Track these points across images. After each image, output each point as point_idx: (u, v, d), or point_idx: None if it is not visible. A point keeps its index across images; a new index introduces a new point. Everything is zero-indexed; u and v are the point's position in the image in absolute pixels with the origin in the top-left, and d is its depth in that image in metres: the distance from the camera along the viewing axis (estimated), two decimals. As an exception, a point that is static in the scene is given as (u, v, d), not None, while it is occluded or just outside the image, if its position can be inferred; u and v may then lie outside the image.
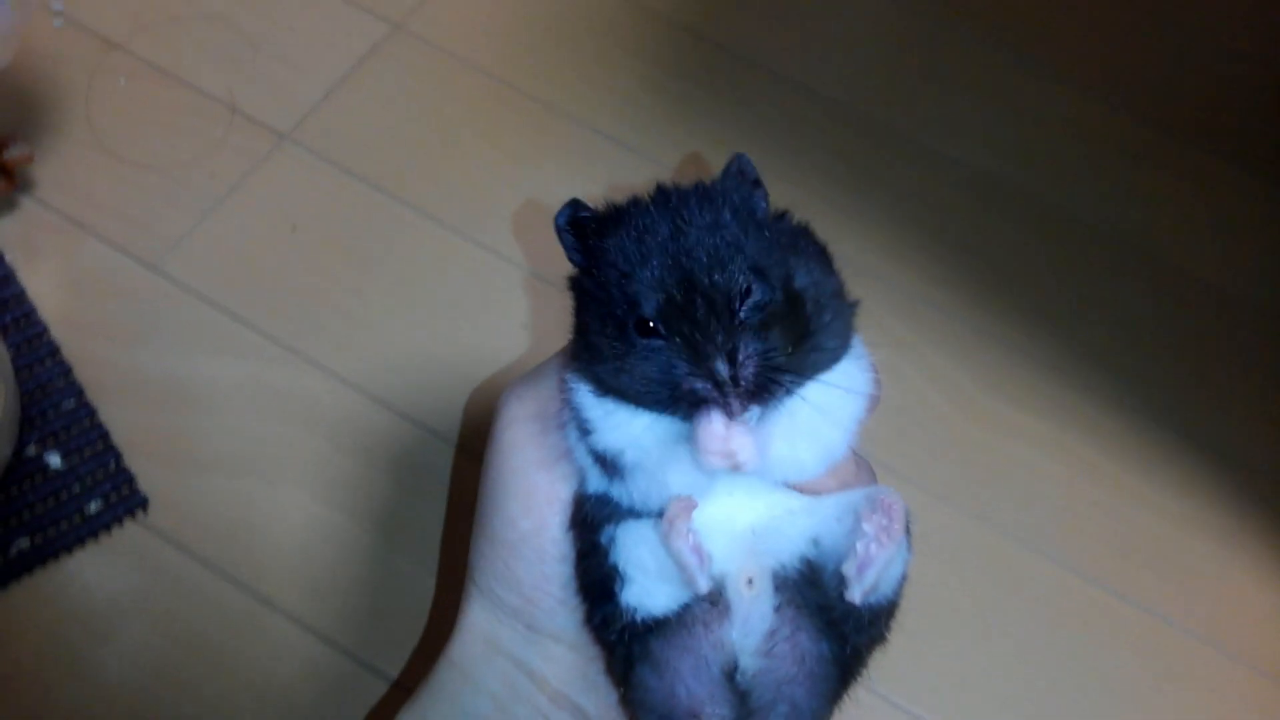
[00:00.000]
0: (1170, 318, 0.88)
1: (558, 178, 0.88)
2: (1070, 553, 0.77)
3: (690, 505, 0.44)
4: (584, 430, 0.46)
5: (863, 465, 0.50)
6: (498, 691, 0.51)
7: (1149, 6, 1.07)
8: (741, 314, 0.41)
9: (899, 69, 1.00)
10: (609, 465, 0.45)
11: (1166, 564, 0.77)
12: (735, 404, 0.41)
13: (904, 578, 0.47)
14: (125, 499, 0.69)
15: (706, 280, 0.41)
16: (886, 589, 0.46)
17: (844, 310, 0.46)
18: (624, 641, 0.46)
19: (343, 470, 0.74)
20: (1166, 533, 0.78)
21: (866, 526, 0.44)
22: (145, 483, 0.71)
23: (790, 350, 0.42)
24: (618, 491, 0.46)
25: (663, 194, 0.45)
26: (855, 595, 0.43)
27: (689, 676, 0.45)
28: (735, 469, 0.42)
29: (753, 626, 0.45)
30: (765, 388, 0.41)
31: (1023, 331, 0.86)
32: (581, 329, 0.46)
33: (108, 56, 0.89)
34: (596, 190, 0.88)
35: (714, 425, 0.41)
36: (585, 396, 0.45)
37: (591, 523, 0.47)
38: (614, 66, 0.95)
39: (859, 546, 0.44)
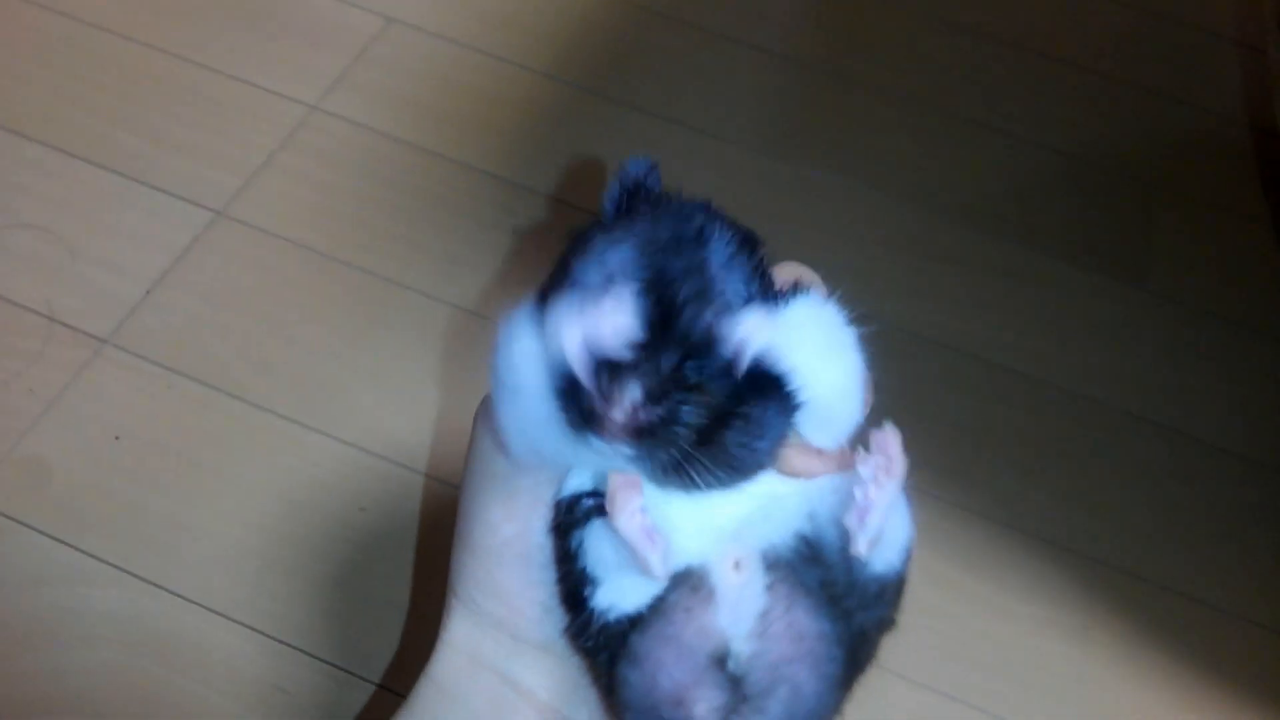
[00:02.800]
0: (1012, 420, 0.91)
1: (396, 350, 0.88)
2: (924, 669, 0.77)
3: (635, 481, 0.41)
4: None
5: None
6: (481, 709, 0.48)
7: (970, 113, 1.12)
8: (693, 366, 0.39)
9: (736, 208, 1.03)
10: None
11: (1022, 671, 0.78)
12: (621, 420, 0.38)
13: (910, 550, 0.45)
14: (-63, 762, 0.65)
15: (689, 311, 0.39)
16: (892, 555, 0.43)
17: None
18: (601, 646, 0.44)
19: (186, 697, 0.71)
20: (1020, 639, 0.80)
21: (863, 470, 0.41)
22: (-39, 739, 0.67)
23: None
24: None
25: (709, 215, 0.44)
26: (861, 547, 0.41)
27: (671, 665, 0.42)
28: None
29: (743, 610, 0.42)
30: (658, 432, 0.38)
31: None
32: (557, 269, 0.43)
33: (-84, 278, 0.87)
34: (435, 358, 0.88)
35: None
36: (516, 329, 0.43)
37: (563, 528, 0.45)
38: (448, 232, 0.96)
39: (857, 492, 0.41)
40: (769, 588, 0.43)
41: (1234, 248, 1.05)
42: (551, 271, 0.44)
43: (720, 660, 0.42)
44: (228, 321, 0.88)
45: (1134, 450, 0.90)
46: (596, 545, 0.43)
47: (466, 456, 0.50)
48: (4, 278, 0.88)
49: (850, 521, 0.41)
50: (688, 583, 0.43)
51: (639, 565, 0.41)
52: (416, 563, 0.78)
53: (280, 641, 0.73)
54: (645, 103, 1.07)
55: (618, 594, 0.43)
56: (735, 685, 0.42)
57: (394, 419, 0.84)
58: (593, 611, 0.44)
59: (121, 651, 0.72)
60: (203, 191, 0.94)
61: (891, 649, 0.77)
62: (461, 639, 0.49)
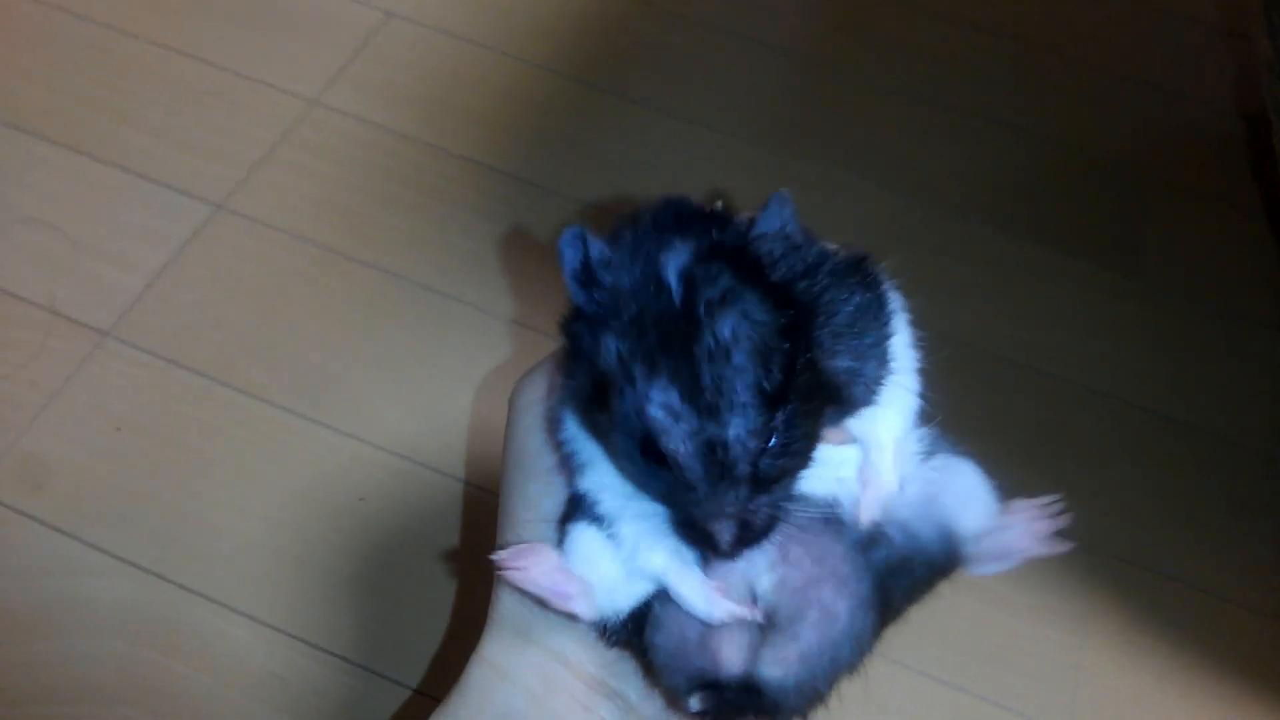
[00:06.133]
0: (1009, 408, 0.91)
1: (395, 342, 0.88)
2: (924, 657, 0.77)
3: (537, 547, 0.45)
4: (571, 465, 0.45)
5: None
6: (532, 685, 0.48)
7: (965, 107, 1.12)
8: (761, 466, 0.40)
9: (734, 202, 1.03)
10: (585, 505, 0.45)
11: (1022, 659, 0.78)
12: (733, 554, 0.41)
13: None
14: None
15: (729, 432, 0.39)
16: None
17: (878, 371, 0.45)
18: (625, 639, 0.46)
19: (188, 684, 0.71)
20: (1019, 627, 0.80)
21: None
22: (-35, 726, 0.68)
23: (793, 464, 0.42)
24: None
25: (692, 279, 0.40)
26: (864, 517, 0.44)
27: (693, 618, 0.43)
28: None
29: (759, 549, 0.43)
30: (767, 532, 0.41)
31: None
32: (579, 379, 0.43)
33: (-81, 272, 0.88)
34: (436, 350, 0.88)
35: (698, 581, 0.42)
36: (575, 431, 0.45)
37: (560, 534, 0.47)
38: (446, 224, 0.96)
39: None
40: None
41: (1228, 237, 1.05)
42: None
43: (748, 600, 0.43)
44: (228, 314, 0.88)
45: (1132, 438, 0.90)
46: (592, 560, 0.45)
47: (505, 436, 0.51)
48: (6, 271, 0.88)
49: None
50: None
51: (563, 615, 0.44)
52: (416, 550, 0.79)
53: (279, 630, 0.74)
54: (644, 96, 1.07)
55: (620, 599, 0.45)
56: (766, 618, 0.43)
57: (393, 410, 0.85)
58: (605, 614, 0.45)
59: (124, 640, 0.73)
60: (203, 185, 0.95)
61: (890, 637, 0.77)
62: (510, 617, 0.50)
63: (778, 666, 0.42)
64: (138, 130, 0.98)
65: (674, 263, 0.41)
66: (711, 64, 1.12)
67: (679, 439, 0.39)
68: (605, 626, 0.46)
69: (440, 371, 0.87)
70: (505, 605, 0.50)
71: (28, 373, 0.83)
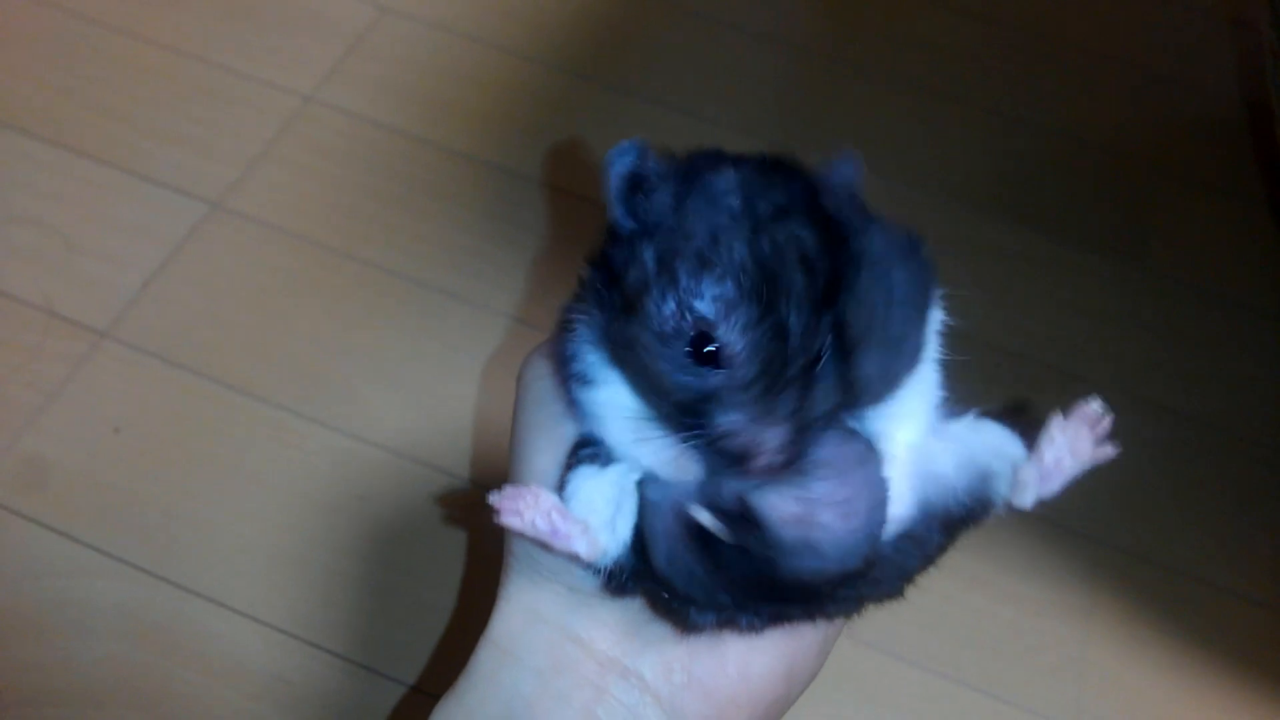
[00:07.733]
0: (1003, 399, 0.91)
1: (393, 340, 0.88)
2: (924, 651, 0.77)
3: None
4: (580, 380, 0.44)
5: None
6: (541, 665, 0.47)
7: (967, 96, 1.12)
8: (815, 373, 0.38)
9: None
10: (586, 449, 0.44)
11: (1026, 653, 0.78)
12: (780, 464, 0.38)
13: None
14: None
15: (789, 320, 0.37)
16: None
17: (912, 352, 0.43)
18: (629, 580, 0.44)
19: (189, 687, 0.71)
20: (1023, 621, 0.79)
21: None
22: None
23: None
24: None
25: (747, 191, 0.40)
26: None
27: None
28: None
29: None
30: (805, 449, 0.39)
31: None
32: (608, 294, 0.41)
33: (-85, 273, 0.88)
34: (435, 347, 0.88)
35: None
36: (588, 351, 0.43)
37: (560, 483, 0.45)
38: (442, 218, 0.96)
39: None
40: None
41: (1231, 227, 1.04)
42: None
43: None
44: (225, 313, 0.88)
45: (1134, 431, 0.89)
46: (578, 505, 0.44)
47: (514, 410, 0.50)
48: (2, 272, 0.88)
49: None
50: None
51: (566, 556, 0.42)
52: (416, 549, 0.78)
53: (279, 629, 0.74)
54: (643, 89, 1.07)
55: (611, 536, 0.44)
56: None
57: (392, 408, 0.84)
58: (610, 558, 0.44)
59: (124, 643, 0.72)
60: (198, 183, 0.94)
61: (890, 630, 0.77)
62: (519, 595, 0.49)
63: (781, 503, 0.40)
64: (130, 128, 0.98)
65: (726, 179, 0.40)
66: (708, 56, 1.12)
67: (737, 329, 0.38)
68: (609, 571, 0.44)
69: (438, 368, 0.87)
70: (514, 584, 0.49)
71: (25, 374, 0.83)
